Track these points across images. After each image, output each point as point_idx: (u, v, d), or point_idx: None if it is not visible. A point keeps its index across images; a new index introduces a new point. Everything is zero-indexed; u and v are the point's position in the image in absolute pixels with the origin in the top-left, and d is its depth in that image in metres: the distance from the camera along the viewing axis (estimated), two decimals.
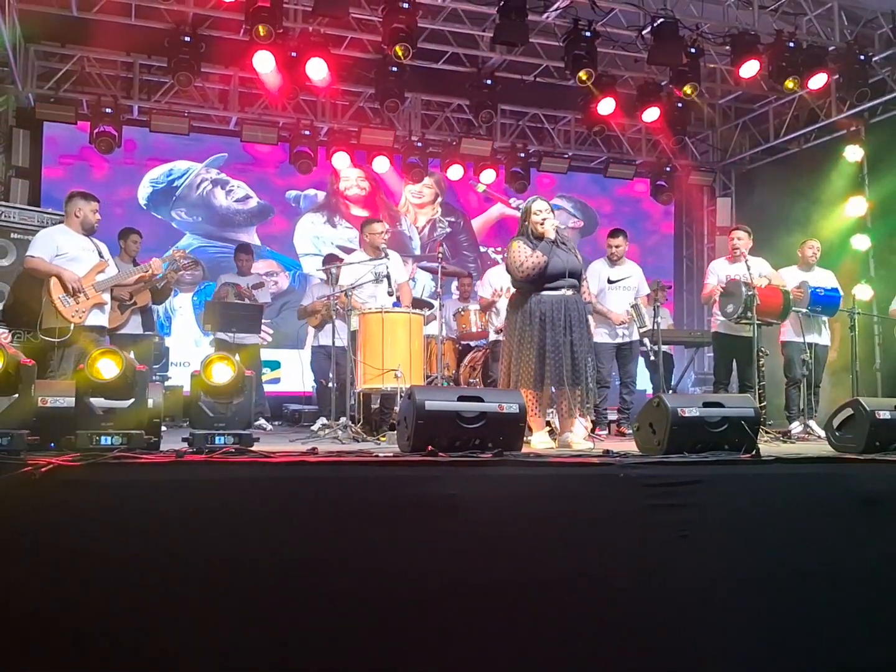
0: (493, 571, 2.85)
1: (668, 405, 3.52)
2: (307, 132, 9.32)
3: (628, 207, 11.50)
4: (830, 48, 8.40)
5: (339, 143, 9.52)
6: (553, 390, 4.64)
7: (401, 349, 5.40)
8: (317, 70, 7.83)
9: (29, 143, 8.89)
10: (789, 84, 8.19)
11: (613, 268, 7.02)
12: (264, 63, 7.63)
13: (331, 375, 6.43)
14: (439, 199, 10.88)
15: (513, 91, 9.48)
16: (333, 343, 5.83)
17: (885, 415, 3.81)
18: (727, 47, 8.18)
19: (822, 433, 5.01)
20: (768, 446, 5.01)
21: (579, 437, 4.69)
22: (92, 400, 3.06)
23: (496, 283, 6.80)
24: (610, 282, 6.95)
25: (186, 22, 7.73)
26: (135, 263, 6.46)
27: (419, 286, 10.37)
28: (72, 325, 5.05)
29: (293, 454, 3.26)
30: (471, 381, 7.01)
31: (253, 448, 3.20)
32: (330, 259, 8.05)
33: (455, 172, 10.04)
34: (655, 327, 6.44)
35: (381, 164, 9.83)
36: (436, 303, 6.65)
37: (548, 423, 4.90)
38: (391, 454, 3.38)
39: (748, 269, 6.06)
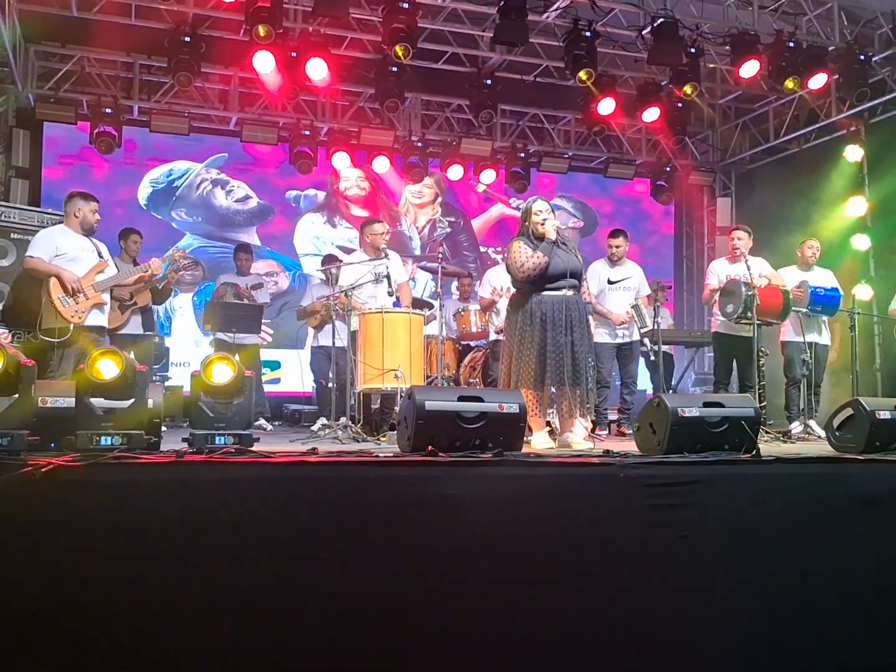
0: (494, 571, 2.85)
1: (669, 405, 3.52)
2: (307, 132, 9.32)
3: (628, 207, 11.50)
4: (830, 48, 8.40)
5: (339, 143, 9.52)
6: (553, 390, 4.65)
7: (401, 349, 5.40)
8: (317, 70, 7.83)
9: (29, 144, 8.89)
10: (789, 84, 8.19)
11: (613, 268, 7.02)
12: (264, 63, 7.64)
13: (331, 375, 6.43)
14: (439, 199, 10.88)
15: (513, 91, 9.48)
16: (333, 343, 5.83)
17: (885, 415, 3.81)
18: (727, 47, 8.18)
19: (823, 433, 5.01)
20: (768, 446, 5.01)
21: (579, 438, 4.69)
22: (92, 400, 3.06)
23: (496, 282, 6.80)
24: (610, 282, 6.95)
25: (186, 22, 7.73)
26: (135, 264, 6.46)
27: (419, 286, 10.37)
28: (71, 326, 5.05)
29: (293, 454, 3.26)
30: (471, 381, 7.01)
31: (253, 448, 3.20)
32: (329, 259, 8.05)
33: (455, 172, 10.04)
34: (655, 327, 6.44)
35: (381, 165, 9.83)
36: (436, 303, 6.65)
37: (548, 424, 4.90)
38: (391, 454, 3.38)
39: (748, 269, 6.06)
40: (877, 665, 3.22)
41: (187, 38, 7.65)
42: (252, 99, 9.31)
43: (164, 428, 3.56)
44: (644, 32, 7.98)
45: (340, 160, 9.59)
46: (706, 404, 3.63)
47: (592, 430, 5.52)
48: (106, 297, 5.34)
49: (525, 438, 3.79)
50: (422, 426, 3.28)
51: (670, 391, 7.50)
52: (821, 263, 6.88)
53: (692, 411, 3.53)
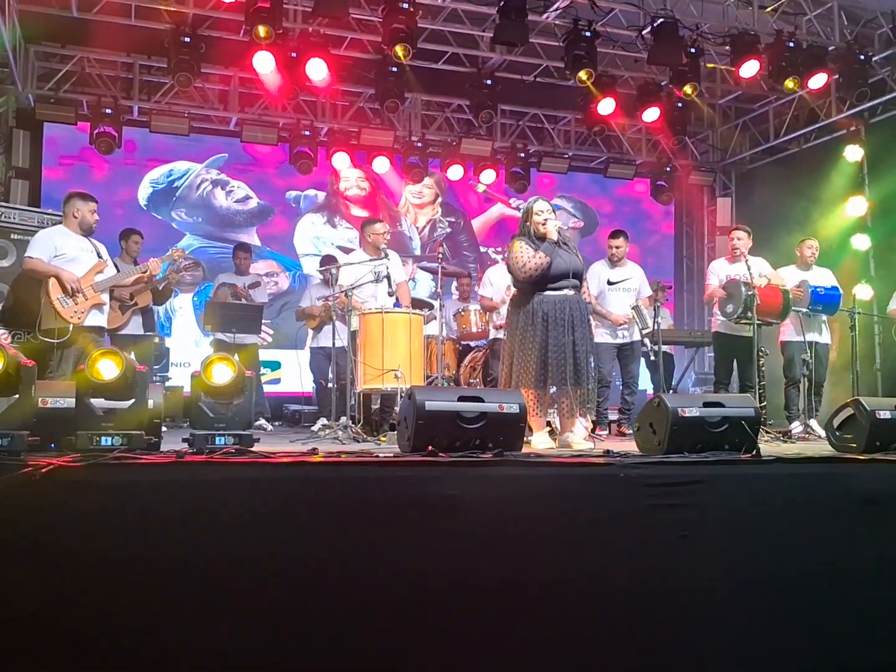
0: (493, 572, 2.85)
1: (669, 405, 3.52)
2: (307, 132, 9.32)
3: (628, 207, 11.50)
4: (830, 48, 8.40)
5: (339, 144, 9.52)
6: (554, 390, 4.65)
7: (401, 349, 5.40)
8: (317, 70, 7.83)
9: (29, 144, 8.89)
10: (789, 84, 8.19)
11: (613, 269, 7.01)
12: (264, 63, 7.64)
13: (331, 376, 6.43)
14: (439, 200, 10.88)
15: (513, 91, 9.48)
16: (333, 343, 5.83)
17: (885, 415, 3.81)
18: (727, 47, 8.18)
19: (823, 433, 5.01)
20: (769, 446, 5.01)
21: (580, 438, 4.70)
22: (92, 400, 3.06)
23: (497, 281, 6.79)
24: (609, 283, 6.94)
25: (186, 22, 7.72)
26: (136, 264, 6.45)
27: (419, 286, 10.37)
28: (71, 326, 5.05)
29: (293, 455, 3.26)
30: (471, 381, 7.01)
31: (253, 448, 3.20)
32: (327, 260, 8.06)
33: (455, 172, 10.04)
34: (656, 327, 6.44)
35: (381, 165, 9.83)
36: (436, 303, 6.65)
37: (548, 423, 4.90)
38: (391, 454, 3.38)
39: (748, 268, 6.06)
40: (877, 665, 3.22)
41: (187, 39, 7.64)
42: (252, 99, 9.31)
43: (164, 428, 3.56)
44: (644, 32, 7.98)
45: (340, 160, 9.59)
46: (706, 404, 3.63)
47: (593, 430, 5.52)
48: (105, 297, 5.34)
49: (525, 438, 3.79)
50: (422, 426, 3.28)
51: (670, 391, 7.49)
52: (821, 263, 6.87)
53: (692, 411, 3.53)
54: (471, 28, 8.35)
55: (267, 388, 8.40)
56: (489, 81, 8.86)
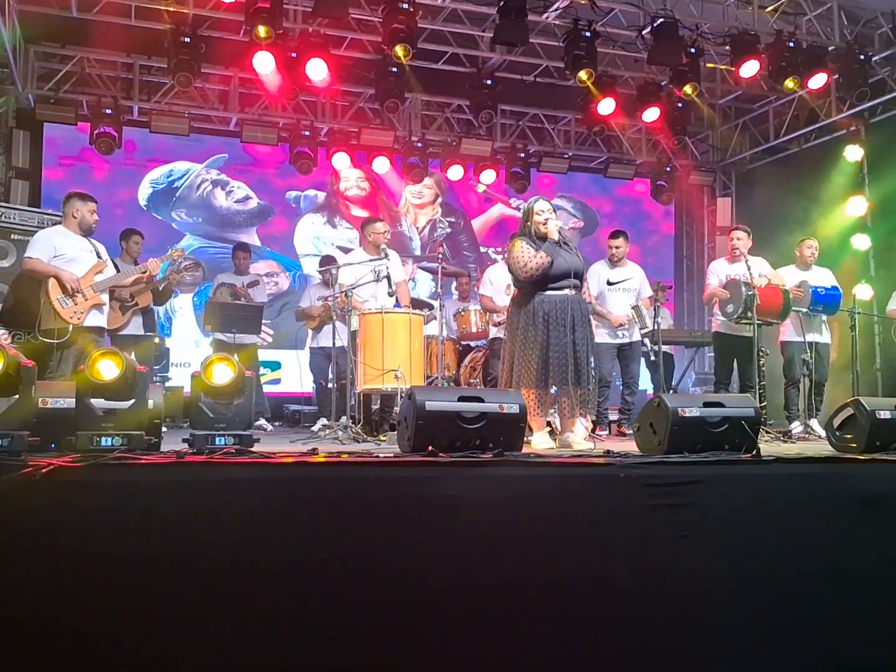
0: (494, 572, 2.85)
1: (669, 405, 3.52)
2: (307, 133, 9.32)
3: (628, 207, 11.50)
4: (830, 48, 8.40)
5: (339, 144, 9.52)
6: (555, 390, 4.65)
7: (401, 349, 5.40)
8: (317, 70, 7.83)
9: (29, 144, 8.90)
10: (789, 84, 8.19)
11: (613, 269, 7.00)
12: (264, 64, 7.64)
13: (331, 376, 6.43)
14: (439, 200, 10.88)
15: (513, 91, 9.48)
16: (334, 344, 5.83)
17: (885, 415, 3.81)
18: (727, 47, 8.18)
19: (824, 433, 5.01)
20: (769, 446, 5.01)
21: (580, 438, 4.70)
22: (92, 401, 3.06)
23: (496, 280, 6.79)
24: (609, 283, 6.93)
25: (186, 23, 7.72)
26: (136, 264, 6.45)
27: (419, 286, 10.37)
28: (70, 326, 5.04)
29: (293, 455, 3.26)
30: (471, 381, 7.00)
31: (253, 449, 3.20)
32: (326, 260, 8.05)
33: (455, 173, 10.04)
34: (656, 327, 6.44)
35: (381, 165, 9.83)
36: (436, 303, 6.64)
37: (548, 424, 4.90)
38: (391, 454, 3.38)
39: (748, 268, 6.06)
40: (877, 665, 3.22)
41: (187, 39, 7.64)
42: (252, 99, 9.32)
43: (164, 428, 3.56)
44: (644, 32, 7.98)
45: (340, 160, 9.59)
46: (706, 404, 3.64)
47: (593, 430, 5.51)
48: (105, 297, 5.33)
49: (525, 438, 3.79)
50: (422, 426, 3.28)
51: (671, 391, 7.50)
52: (821, 263, 6.87)
53: (692, 411, 3.53)
54: (471, 28, 8.35)
55: (267, 389, 8.40)
56: (489, 81, 8.87)
